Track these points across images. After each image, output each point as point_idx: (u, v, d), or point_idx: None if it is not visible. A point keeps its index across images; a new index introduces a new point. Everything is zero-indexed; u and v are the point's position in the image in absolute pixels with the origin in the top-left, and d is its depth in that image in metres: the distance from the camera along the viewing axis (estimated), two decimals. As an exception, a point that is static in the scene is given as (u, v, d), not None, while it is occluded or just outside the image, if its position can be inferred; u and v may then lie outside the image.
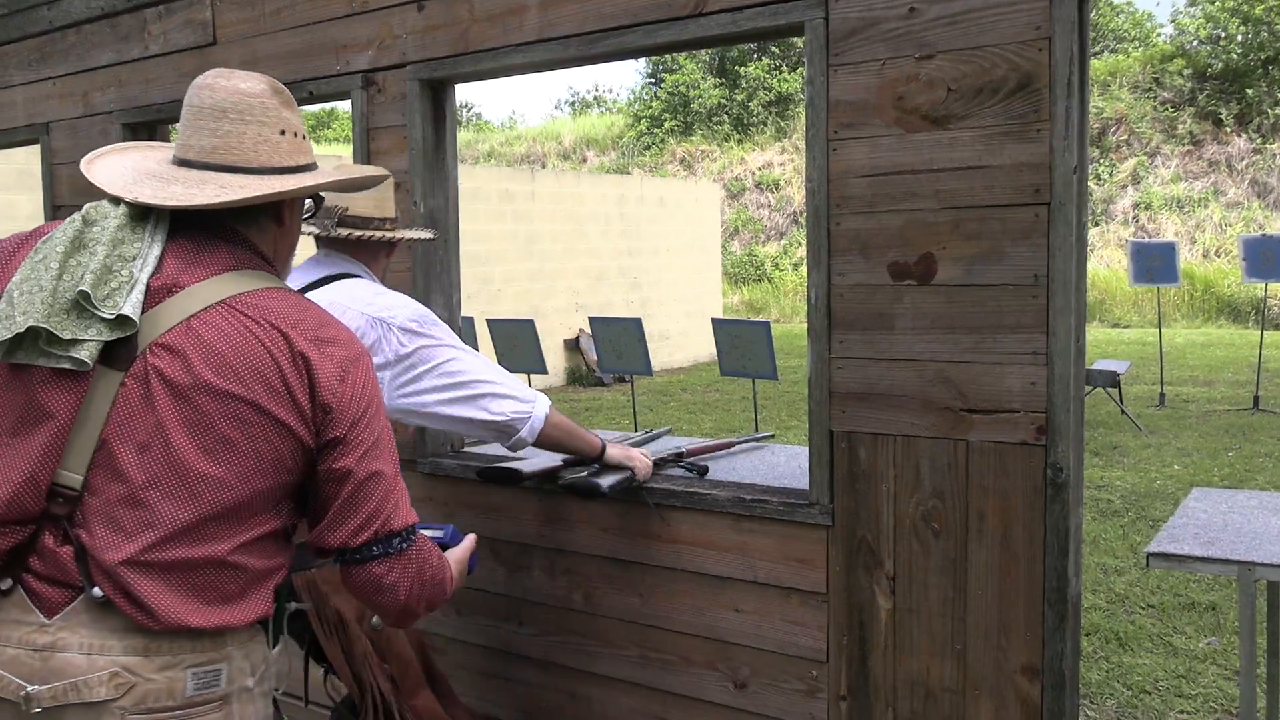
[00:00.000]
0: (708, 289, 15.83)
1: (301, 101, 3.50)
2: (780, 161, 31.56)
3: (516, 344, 10.45)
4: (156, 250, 1.62)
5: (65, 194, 4.25)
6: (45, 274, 1.57)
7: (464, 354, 2.42)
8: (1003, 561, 2.20)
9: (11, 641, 1.56)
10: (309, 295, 2.29)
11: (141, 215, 1.65)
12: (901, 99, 2.29)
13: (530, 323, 10.40)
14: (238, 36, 3.59)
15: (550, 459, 2.84)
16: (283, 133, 1.73)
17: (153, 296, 1.60)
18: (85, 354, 1.54)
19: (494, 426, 2.42)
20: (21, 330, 1.53)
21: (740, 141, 33.22)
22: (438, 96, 3.15)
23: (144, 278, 1.59)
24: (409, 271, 3.14)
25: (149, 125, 3.99)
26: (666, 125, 34.33)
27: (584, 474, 2.68)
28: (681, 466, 2.81)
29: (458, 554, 1.98)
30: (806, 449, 2.64)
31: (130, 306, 1.56)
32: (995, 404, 2.19)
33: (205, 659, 1.60)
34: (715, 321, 9.64)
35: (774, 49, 35.39)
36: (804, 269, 20.79)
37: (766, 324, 9.53)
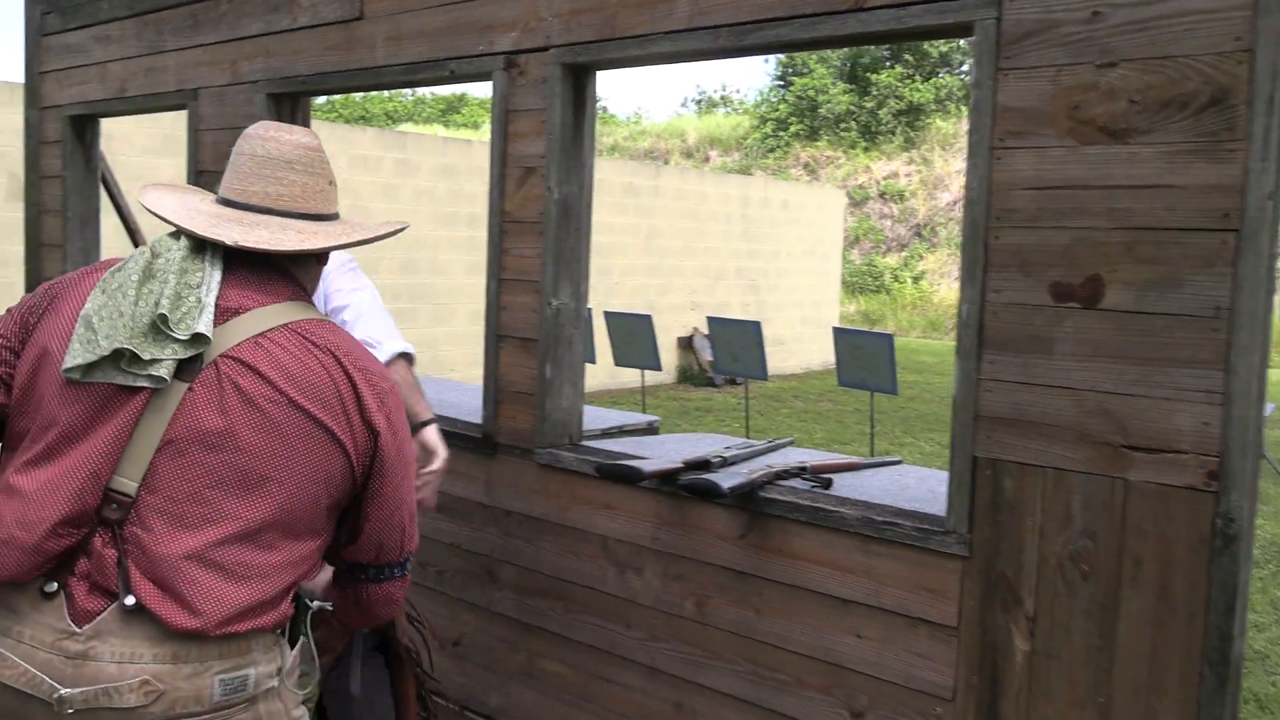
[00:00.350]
0: (825, 296, 15.60)
1: (441, 80, 3.48)
2: (907, 172, 30.98)
3: (632, 338, 10.43)
4: (217, 277, 1.75)
5: (209, 160, 4.32)
6: (123, 301, 1.69)
7: (356, 295, 2.64)
8: (1158, 613, 2.03)
9: (45, 645, 1.61)
10: None
11: (199, 247, 1.79)
12: (1077, 109, 2.14)
13: (648, 318, 10.36)
14: (384, 12, 3.59)
15: (671, 459, 2.76)
16: (330, 183, 1.92)
17: (220, 316, 1.72)
18: (163, 371, 1.65)
19: None
20: (106, 353, 1.63)
21: (867, 149, 32.72)
22: (579, 82, 3.09)
23: (211, 300, 1.71)
24: (539, 258, 3.08)
25: (292, 96, 4.03)
26: (792, 129, 33.99)
27: (705, 475, 2.60)
28: (806, 479, 2.69)
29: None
30: (939, 472, 2.50)
31: (204, 325, 1.68)
32: (1161, 443, 2.03)
33: (231, 664, 1.65)
34: (837, 331, 9.47)
35: (908, 56, 34.75)
36: (924, 282, 20.21)
37: (890, 337, 9.33)
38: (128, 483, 1.63)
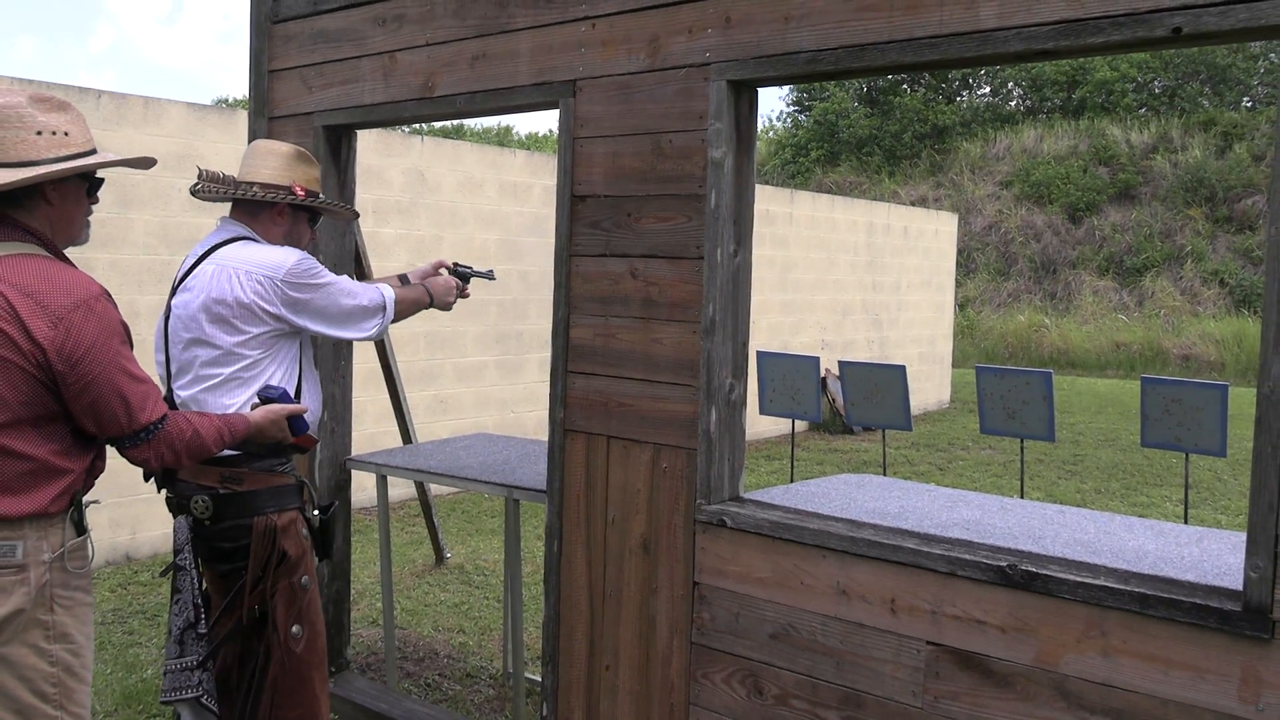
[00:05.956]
0: (940, 331, 14.40)
1: (1173, 42, 2.23)
2: (936, 196, 30.12)
3: (789, 384, 9.20)
4: None
5: (599, 181, 3.04)
6: None
7: (335, 282, 2.91)
8: None
9: None
10: (212, 256, 2.83)
11: None
12: None
13: (814, 360, 9.13)
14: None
15: None
16: (39, 133, 2.25)
17: None
18: None
19: (370, 330, 2.99)
20: None
21: (892, 174, 31.91)
22: None
23: None
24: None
25: (760, 85, 2.77)
26: (813, 154, 33.12)
27: None
28: None
29: (273, 410, 2.71)
30: None
31: None
32: None
33: (3, 537, 2.19)
34: (980, 369, 8.26)
35: (929, 78, 33.93)
36: (969, 310, 18.87)
37: (1048, 374, 8.17)
38: None
